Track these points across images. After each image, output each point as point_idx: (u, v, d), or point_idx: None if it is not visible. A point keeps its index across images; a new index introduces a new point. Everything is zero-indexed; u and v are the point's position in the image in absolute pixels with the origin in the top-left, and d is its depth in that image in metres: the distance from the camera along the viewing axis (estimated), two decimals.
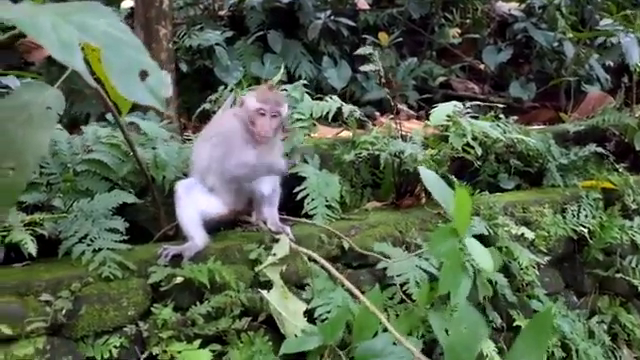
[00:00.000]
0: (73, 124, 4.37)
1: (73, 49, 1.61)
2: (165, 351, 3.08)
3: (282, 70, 5.32)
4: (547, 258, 4.44)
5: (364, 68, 4.55)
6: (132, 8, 6.34)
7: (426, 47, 8.29)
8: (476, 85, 8.38)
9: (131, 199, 3.54)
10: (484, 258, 2.92)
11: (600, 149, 5.24)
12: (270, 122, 3.46)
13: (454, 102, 4.49)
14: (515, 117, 5.28)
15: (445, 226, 2.61)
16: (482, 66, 8.45)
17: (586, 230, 4.71)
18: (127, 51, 1.70)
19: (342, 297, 3.46)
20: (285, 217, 3.80)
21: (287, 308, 3.35)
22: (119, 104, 3.25)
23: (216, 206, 3.58)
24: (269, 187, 3.64)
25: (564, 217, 4.76)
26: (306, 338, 3.26)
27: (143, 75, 1.69)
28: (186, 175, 3.77)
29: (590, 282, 5.00)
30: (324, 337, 3.21)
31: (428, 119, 4.60)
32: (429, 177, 3.04)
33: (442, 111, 4.42)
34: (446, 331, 3.24)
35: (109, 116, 4.15)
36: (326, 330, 3.22)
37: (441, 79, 8.03)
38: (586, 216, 4.80)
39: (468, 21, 8.79)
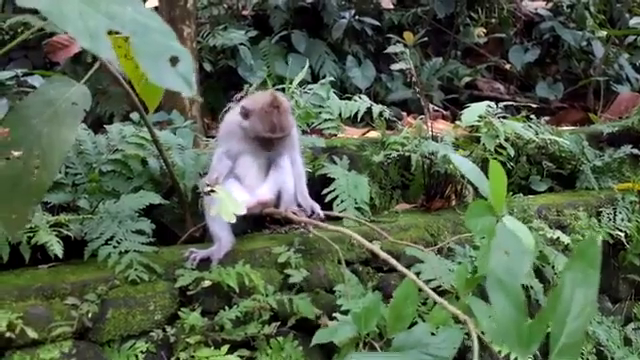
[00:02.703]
0: (98, 124, 4.33)
1: (101, 38, 1.54)
2: (192, 356, 3.00)
3: (305, 69, 5.21)
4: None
5: (395, 67, 4.45)
6: (156, 7, 6.29)
7: (451, 47, 8.17)
8: (502, 85, 8.25)
9: (157, 200, 3.47)
10: (525, 235, 2.78)
11: (636, 150, 5.10)
12: (276, 142, 3.39)
13: (486, 102, 4.37)
14: (546, 118, 5.16)
15: (480, 201, 2.47)
16: (508, 66, 8.31)
17: (622, 234, 4.57)
18: (156, 37, 1.63)
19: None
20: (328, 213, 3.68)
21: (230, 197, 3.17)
22: (147, 101, 3.18)
23: (245, 198, 3.46)
24: (291, 179, 3.53)
25: (599, 220, 4.63)
26: (339, 328, 3.12)
27: (173, 61, 1.61)
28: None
29: (626, 288, 4.86)
30: (358, 326, 3.07)
31: (455, 119, 4.48)
32: (463, 162, 2.90)
33: (474, 111, 4.30)
34: None
35: (134, 115, 4.10)
36: (360, 319, 3.08)
37: (467, 79, 7.90)
38: (622, 220, 4.67)
39: (494, 20, 8.64)
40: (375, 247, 3.22)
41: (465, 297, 3.10)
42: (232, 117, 3.52)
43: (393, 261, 2.99)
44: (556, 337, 1.62)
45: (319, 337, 3.10)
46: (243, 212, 3.13)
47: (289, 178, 3.49)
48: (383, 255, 3.01)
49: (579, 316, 1.61)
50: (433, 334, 2.98)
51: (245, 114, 3.37)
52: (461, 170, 2.87)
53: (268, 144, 3.38)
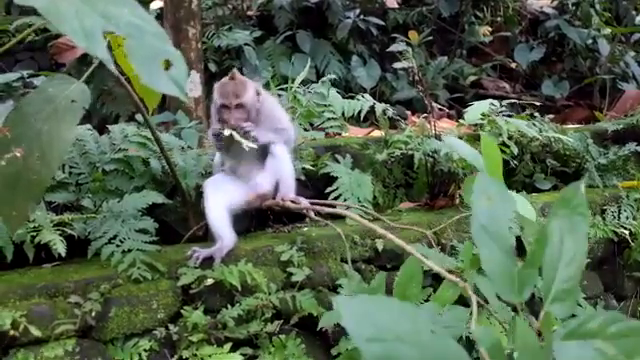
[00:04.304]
0: (103, 124, 4.36)
1: (97, 37, 1.55)
2: (195, 355, 3.02)
3: (307, 68, 5.20)
4: (586, 261, 4.28)
5: (397, 65, 4.45)
6: (161, 8, 6.32)
7: (456, 46, 8.16)
8: (507, 84, 8.24)
9: (160, 199, 3.49)
10: (525, 208, 2.76)
11: None
12: (235, 114, 3.42)
13: (490, 100, 4.37)
14: (550, 116, 5.15)
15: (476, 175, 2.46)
16: (514, 65, 8.31)
17: (627, 232, 4.54)
18: (151, 40, 1.64)
19: None
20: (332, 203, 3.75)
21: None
22: (146, 101, 3.19)
23: (242, 192, 3.51)
24: (289, 168, 3.58)
25: (604, 218, 4.61)
26: None
27: (167, 65, 1.62)
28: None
29: (631, 285, 4.82)
30: None
31: (459, 118, 4.48)
32: (455, 142, 2.89)
33: (477, 109, 4.30)
34: None
35: (139, 116, 4.12)
36: None
37: (472, 78, 7.90)
38: (627, 217, 4.63)
39: (499, 19, 8.64)
40: (377, 227, 3.18)
41: (470, 276, 3.09)
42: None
43: (391, 236, 2.94)
44: (549, 283, 1.57)
45: (325, 321, 3.09)
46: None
47: (286, 166, 3.52)
48: (381, 231, 2.95)
49: (572, 262, 1.57)
50: (439, 314, 2.97)
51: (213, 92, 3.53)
52: (454, 148, 2.84)
53: (227, 119, 3.41)
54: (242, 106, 3.42)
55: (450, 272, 3.19)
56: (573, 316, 1.53)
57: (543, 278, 1.55)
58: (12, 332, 2.70)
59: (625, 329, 1.34)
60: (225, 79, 3.49)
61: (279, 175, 3.51)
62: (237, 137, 3.32)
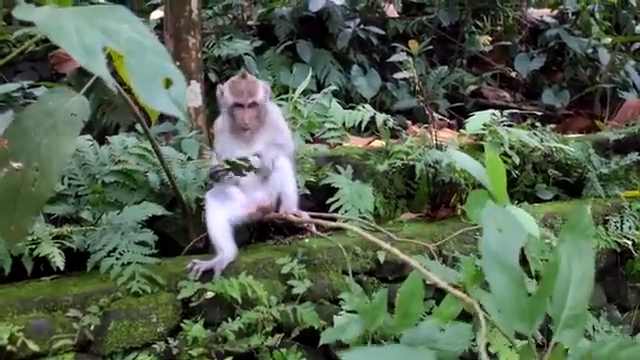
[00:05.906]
0: (104, 134, 4.34)
1: (96, 53, 1.52)
2: None
3: (308, 78, 5.19)
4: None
5: (398, 75, 4.44)
6: (161, 18, 6.31)
7: (456, 55, 8.14)
8: (508, 93, 8.22)
9: (160, 211, 3.46)
10: (529, 223, 2.73)
11: None
12: (248, 113, 3.44)
13: (491, 110, 4.36)
14: (551, 125, 5.13)
15: (480, 190, 2.43)
16: (514, 74, 8.29)
17: (630, 242, 4.51)
18: (151, 58, 1.61)
19: None
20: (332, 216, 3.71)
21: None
22: (148, 113, 3.17)
23: (244, 205, 3.49)
24: (292, 182, 3.57)
25: (606, 229, 4.58)
26: (346, 326, 3.08)
27: (167, 83, 1.60)
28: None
29: (634, 296, 4.78)
30: (365, 322, 3.01)
31: (460, 128, 4.46)
32: (459, 156, 2.87)
33: (478, 120, 4.29)
34: None
35: (139, 126, 4.10)
36: (367, 314, 3.02)
37: (472, 87, 7.88)
38: (629, 227, 4.60)
39: (499, 28, 8.62)
40: (380, 241, 3.14)
41: (472, 291, 3.05)
42: (219, 117, 3.69)
43: (396, 251, 2.92)
44: (558, 310, 1.57)
45: (327, 336, 3.05)
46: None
47: (289, 180, 3.50)
48: (384, 245, 2.93)
49: (580, 287, 1.57)
50: (442, 330, 2.93)
51: (221, 93, 3.54)
52: (458, 162, 2.82)
53: (241, 117, 3.43)
54: (255, 104, 3.45)
55: (454, 287, 3.17)
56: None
57: (553, 306, 1.54)
58: (9, 347, 2.67)
59: (636, 354, 1.33)
60: (236, 78, 3.52)
61: (282, 189, 3.49)
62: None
